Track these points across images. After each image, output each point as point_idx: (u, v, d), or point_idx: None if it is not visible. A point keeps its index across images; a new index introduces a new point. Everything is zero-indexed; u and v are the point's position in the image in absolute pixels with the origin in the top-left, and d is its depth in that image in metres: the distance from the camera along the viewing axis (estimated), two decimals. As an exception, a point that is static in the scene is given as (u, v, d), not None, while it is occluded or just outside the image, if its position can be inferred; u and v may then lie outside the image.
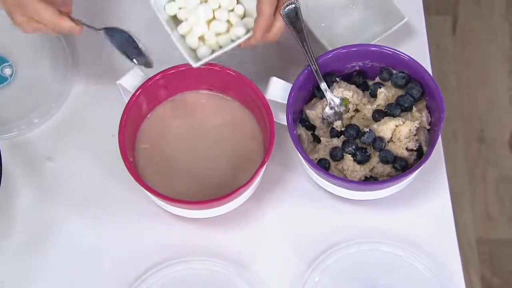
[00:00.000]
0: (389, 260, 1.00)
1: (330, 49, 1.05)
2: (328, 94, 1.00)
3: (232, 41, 0.97)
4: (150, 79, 0.99)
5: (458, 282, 1.00)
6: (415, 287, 1.00)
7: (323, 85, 1.00)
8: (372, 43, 1.07)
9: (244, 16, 0.99)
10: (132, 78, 1.00)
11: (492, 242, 1.82)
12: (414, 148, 0.99)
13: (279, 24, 0.95)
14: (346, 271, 1.00)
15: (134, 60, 0.97)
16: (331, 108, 1.01)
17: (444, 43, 1.99)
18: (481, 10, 2.02)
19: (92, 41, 1.14)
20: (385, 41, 1.07)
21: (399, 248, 1.00)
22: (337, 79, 1.03)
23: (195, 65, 0.96)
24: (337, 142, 1.00)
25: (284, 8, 0.94)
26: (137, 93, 0.99)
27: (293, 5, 0.95)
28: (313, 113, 1.02)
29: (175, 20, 0.99)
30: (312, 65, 0.99)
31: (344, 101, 1.01)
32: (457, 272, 1.00)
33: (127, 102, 1.00)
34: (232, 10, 0.98)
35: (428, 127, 1.01)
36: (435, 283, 0.99)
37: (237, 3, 0.98)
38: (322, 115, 1.01)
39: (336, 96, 1.00)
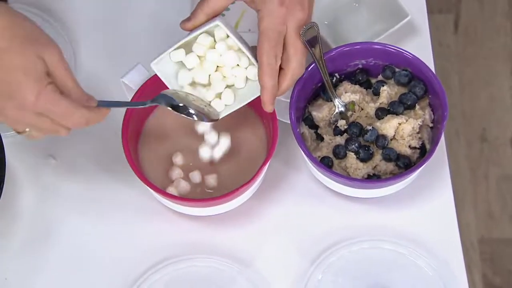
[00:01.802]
0: (392, 258, 1.00)
1: (333, 47, 1.05)
2: (337, 104, 1.00)
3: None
4: (153, 76, 0.99)
5: (460, 281, 1.00)
6: (418, 285, 1.00)
7: (337, 101, 1.00)
8: (375, 41, 1.07)
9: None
10: (136, 75, 1.00)
11: (493, 241, 1.82)
12: (417, 146, 0.99)
13: (287, 84, 0.93)
14: (349, 269, 1.00)
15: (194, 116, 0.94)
16: (339, 113, 1.01)
17: (446, 41, 1.99)
18: (483, 9, 2.02)
19: (95, 37, 1.14)
20: (388, 39, 1.07)
21: (402, 246, 1.00)
22: (337, 75, 1.03)
23: (207, 122, 0.96)
24: (340, 140, 1.00)
25: (305, 31, 0.93)
26: (140, 91, 0.99)
27: (312, 27, 0.94)
28: (320, 116, 1.02)
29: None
30: (326, 80, 0.99)
31: (351, 105, 1.01)
32: (460, 271, 1.00)
33: (130, 99, 1.00)
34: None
35: (431, 125, 1.01)
36: (437, 282, 0.99)
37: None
38: (330, 120, 1.01)
39: (343, 102, 1.00)
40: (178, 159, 1.01)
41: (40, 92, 0.82)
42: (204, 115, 0.94)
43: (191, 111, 0.93)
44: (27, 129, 0.87)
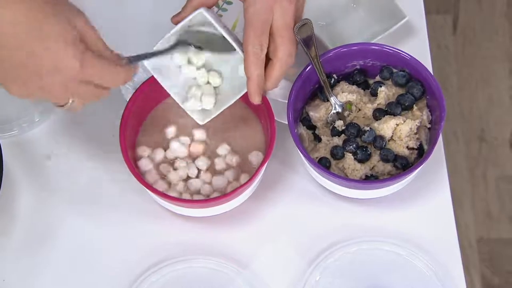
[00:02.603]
0: (390, 259, 1.00)
1: (331, 48, 1.05)
2: (334, 103, 1.00)
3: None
4: (151, 77, 0.99)
5: (458, 281, 1.00)
6: (416, 286, 1.00)
7: (333, 100, 1.00)
8: (373, 42, 1.07)
9: None
10: (134, 76, 1.00)
11: (492, 242, 1.82)
12: (415, 147, 0.99)
13: (275, 74, 0.92)
14: (347, 270, 1.00)
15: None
16: (336, 113, 1.01)
17: (444, 42, 1.99)
18: (482, 9, 2.02)
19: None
20: (386, 40, 1.07)
21: (400, 247, 1.00)
22: (335, 76, 1.03)
23: (201, 123, 0.97)
24: (337, 140, 1.00)
25: (298, 28, 0.93)
26: (138, 92, 0.99)
27: (306, 23, 0.94)
28: (317, 116, 1.02)
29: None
30: (322, 79, 0.99)
31: (347, 105, 1.01)
32: (457, 271, 1.00)
33: (128, 100, 1.00)
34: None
35: (429, 125, 1.01)
36: (435, 282, 0.99)
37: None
38: (327, 119, 1.01)
39: (340, 101, 1.01)
40: (176, 162, 1.01)
41: (83, 59, 0.81)
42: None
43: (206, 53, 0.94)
44: (69, 101, 0.85)
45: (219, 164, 1.01)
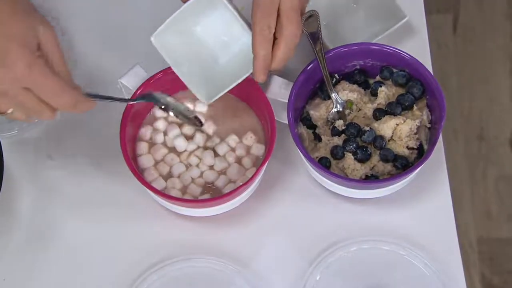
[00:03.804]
0: (390, 258, 1.00)
1: (331, 47, 1.05)
2: (335, 100, 1.00)
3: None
4: (151, 77, 0.99)
5: (458, 281, 1.00)
6: (416, 285, 1.00)
7: (334, 96, 1.00)
8: (373, 41, 1.07)
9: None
10: (134, 76, 1.00)
11: (492, 241, 1.82)
12: (415, 147, 0.99)
13: (281, 52, 0.92)
14: (347, 269, 1.00)
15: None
16: (337, 112, 1.01)
17: (445, 41, 1.99)
18: (482, 9, 2.02)
19: (94, 38, 1.14)
20: (386, 39, 1.07)
21: (400, 247, 1.00)
22: (337, 76, 1.03)
23: (207, 102, 0.97)
24: (338, 140, 1.00)
25: (305, 19, 0.93)
26: (138, 92, 1.00)
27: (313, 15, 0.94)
28: (317, 115, 1.02)
29: None
30: (325, 74, 0.99)
31: (348, 104, 1.01)
32: (458, 271, 1.00)
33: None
34: None
35: (429, 125, 1.01)
36: (436, 282, 0.99)
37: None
38: (327, 117, 1.01)
39: (341, 99, 1.01)
40: (176, 162, 1.01)
41: (32, 63, 0.81)
42: (187, 119, 0.96)
43: (171, 113, 0.95)
44: (9, 110, 0.85)
45: (221, 161, 1.01)
